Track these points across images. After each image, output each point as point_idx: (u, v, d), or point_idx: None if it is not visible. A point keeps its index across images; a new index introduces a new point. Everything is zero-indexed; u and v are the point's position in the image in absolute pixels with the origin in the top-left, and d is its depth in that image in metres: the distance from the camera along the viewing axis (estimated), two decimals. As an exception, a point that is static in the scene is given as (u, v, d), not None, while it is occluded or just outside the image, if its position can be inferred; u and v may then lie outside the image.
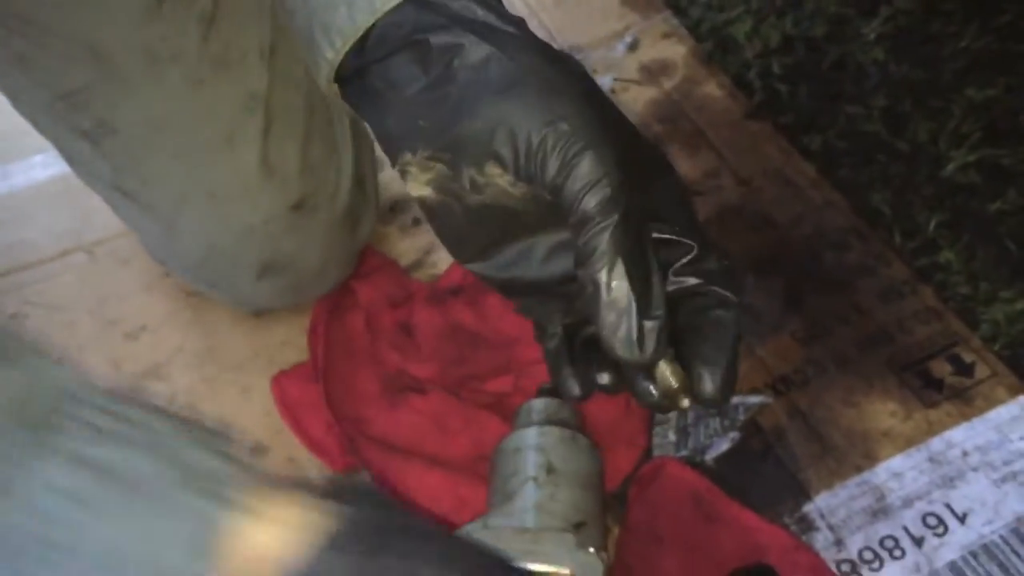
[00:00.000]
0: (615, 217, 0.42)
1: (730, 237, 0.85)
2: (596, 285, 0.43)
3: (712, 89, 0.96)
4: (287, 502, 0.38)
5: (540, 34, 0.99)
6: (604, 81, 0.97)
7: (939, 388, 0.75)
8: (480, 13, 0.45)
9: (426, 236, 0.88)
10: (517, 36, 0.45)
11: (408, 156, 0.46)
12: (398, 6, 0.45)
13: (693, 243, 0.47)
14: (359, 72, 0.47)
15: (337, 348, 0.79)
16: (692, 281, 0.47)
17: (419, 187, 0.47)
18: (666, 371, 0.46)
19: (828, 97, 0.95)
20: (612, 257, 0.43)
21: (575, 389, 0.49)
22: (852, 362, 0.77)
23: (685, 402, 0.47)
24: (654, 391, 0.47)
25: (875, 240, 0.84)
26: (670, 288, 0.47)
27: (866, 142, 0.92)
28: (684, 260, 0.47)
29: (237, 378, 0.80)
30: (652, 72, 0.98)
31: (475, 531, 0.60)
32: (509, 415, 0.72)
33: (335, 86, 0.49)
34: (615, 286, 0.43)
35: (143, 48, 0.66)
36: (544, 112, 0.43)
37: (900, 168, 0.89)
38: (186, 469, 0.38)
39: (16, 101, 0.72)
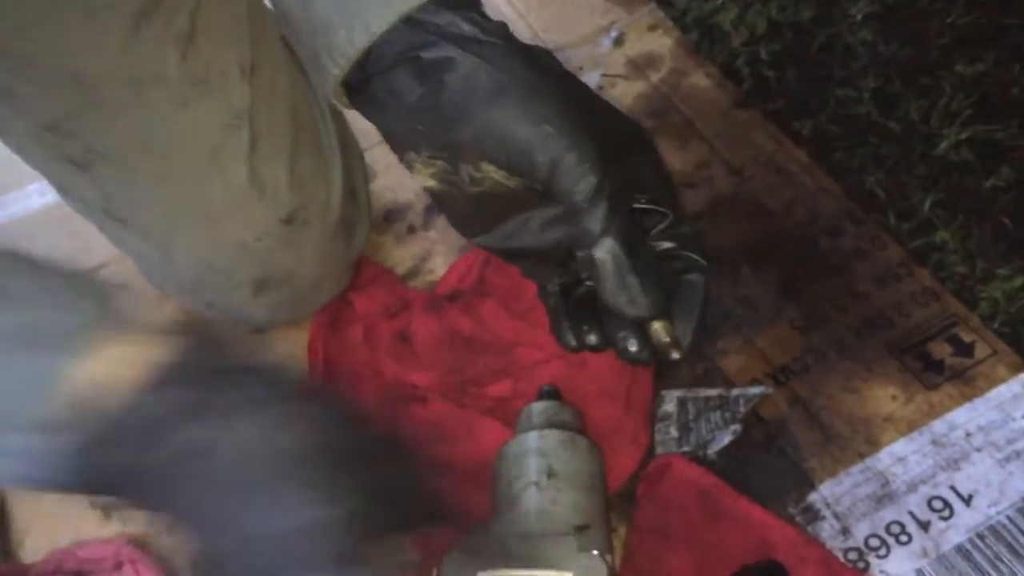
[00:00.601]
0: (603, 204, 0.49)
1: (724, 227, 0.85)
2: (596, 262, 0.49)
3: (700, 79, 0.96)
4: (127, 341, 0.44)
5: (525, 35, 1.01)
6: (591, 78, 0.97)
7: (939, 370, 0.75)
8: (466, 28, 0.50)
9: (421, 244, 0.88)
10: (500, 46, 0.50)
11: (412, 155, 0.52)
12: (392, 27, 0.50)
13: (668, 211, 0.53)
14: (363, 83, 0.52)
15: (337, 362, 0.79)
16: (667, 245, 0.53)
17: (425, 179, 0.52)
18: (659, 327, 0.51)
19: (817, 81, 0.95)
20: (604, 236, 0.49)
21: (572, 341, 0.54)
22: (851, 348, 0.77)
23: (675, 354, 0.52)
24: (632, 347, 0.52)
25: (870, 223, 0.84)
26: None
27: (857, 124, 0.91)
28: (660, 226, 0.53)
29: (240, 395, 0.81)
30: (639, 66, 0.98)
31: (479, 537, 0.60)
32: (510, 419, 0.73)
33: (344, 96, 0.54)
34: (611, 259, 0.49)
35: (124, 73, 0.66)
36: (528, 115, 0.48)
37: (892, 149, 0.89)
38: (38, 328, 0.43)
39: (2, 134, 0.72)
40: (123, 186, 0.72)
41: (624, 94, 0.95)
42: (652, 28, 1.01)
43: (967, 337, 0.76)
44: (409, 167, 0.53)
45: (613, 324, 0.52)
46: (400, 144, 0.53)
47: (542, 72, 0.50)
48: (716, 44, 0.99)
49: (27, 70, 0.66)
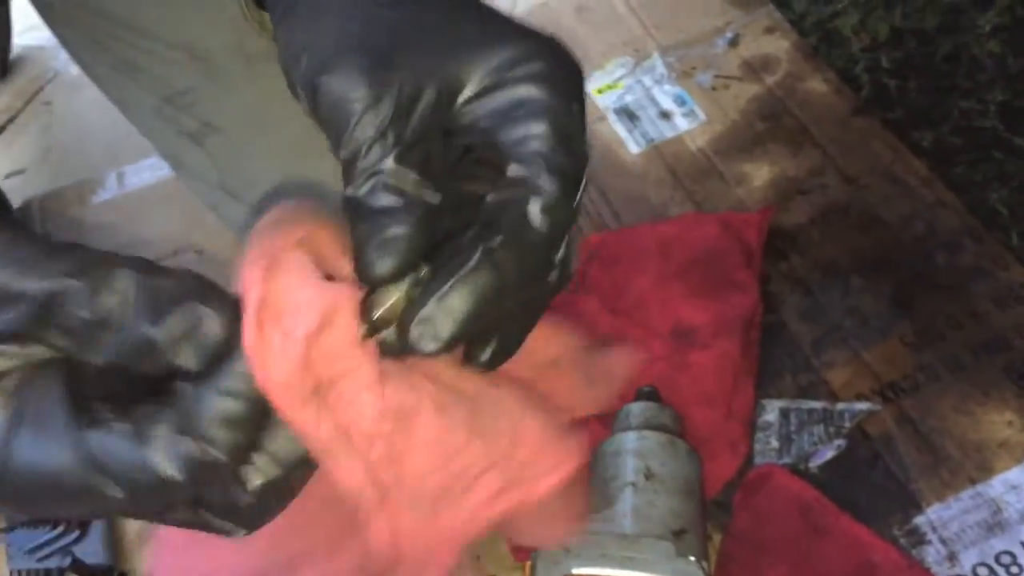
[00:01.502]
0: (369, 134, 0.36)
1: (836, 238, 0.82)
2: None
3: (817, 85, 0.93)
4: None
5: (637, 32, 1.00)
6: (704, 79, 0.95)
7: (1061, 397, 0.71)
8: None
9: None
10: None
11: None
12: None
13: (514, 176, 0.37)
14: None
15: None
16: (491, 212, 0.38)
17: None
18: (383, 294, 0.36)
19: (940, 91, 0.92)
20: (360, 179, 0.37)
21: None
22: (966, 369, 0.74)
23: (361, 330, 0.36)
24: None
25: (991, 241, 0.80)
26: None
27: (981, 138, 0.88)
28: (502, 188, 0.38)
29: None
30: (754, 68, 0.96)
31: (575, 536, 0.59)
32: (608, 418, 0.71)
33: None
34: (359, 202, 0.37)
35: (237, 48, 0.67)
36: (329, 32, 0.38)
37: (1018, 165, 0.85)
38: None
39: (126, 109, 0.74)
40: (237, 160, 0.73)
41: (738, 96, 0.93)
42: (769, 30, 0.98)
43: (1092, 365, 0.72)
44: None
45: None
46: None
47: None
48: (835, 49, 0.96)
49: (148, 43, 0.68)
